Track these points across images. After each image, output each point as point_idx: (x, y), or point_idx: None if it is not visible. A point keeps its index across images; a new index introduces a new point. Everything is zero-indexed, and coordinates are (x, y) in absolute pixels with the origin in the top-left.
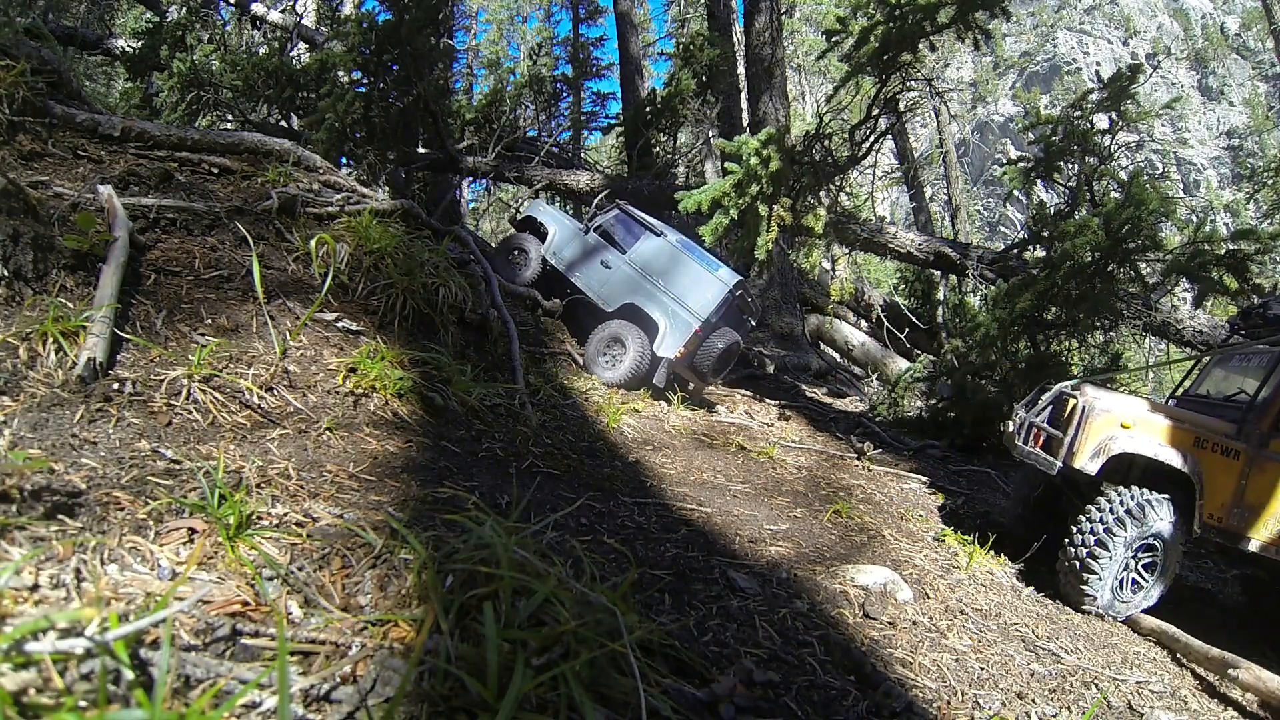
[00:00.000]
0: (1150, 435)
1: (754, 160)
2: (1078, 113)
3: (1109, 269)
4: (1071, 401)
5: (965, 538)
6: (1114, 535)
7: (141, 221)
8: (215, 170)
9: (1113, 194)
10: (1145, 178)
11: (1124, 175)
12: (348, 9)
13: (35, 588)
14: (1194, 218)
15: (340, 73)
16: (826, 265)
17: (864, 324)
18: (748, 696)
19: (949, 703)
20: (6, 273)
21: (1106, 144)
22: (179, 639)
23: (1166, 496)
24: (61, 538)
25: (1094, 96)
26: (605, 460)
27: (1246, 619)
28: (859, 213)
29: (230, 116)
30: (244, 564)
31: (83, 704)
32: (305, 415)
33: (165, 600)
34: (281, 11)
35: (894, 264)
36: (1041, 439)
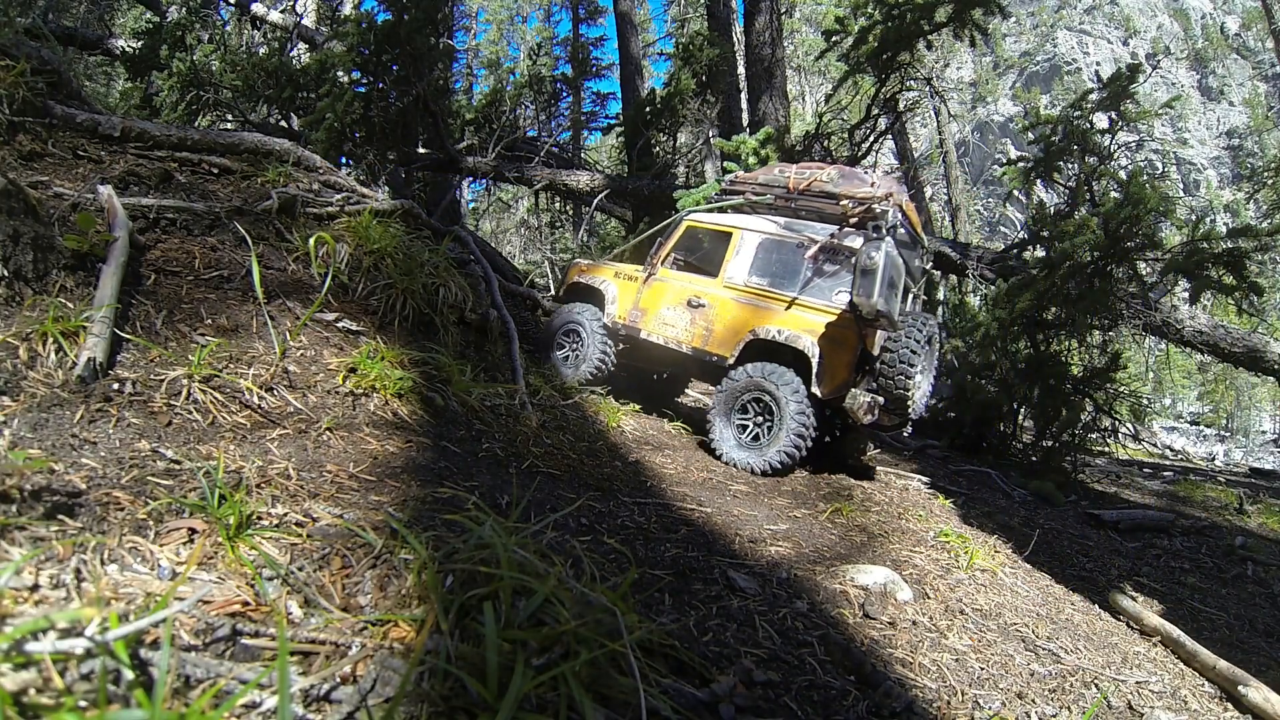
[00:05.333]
0: (591, 273)
1: (753, 160)
2: (1078, 113)
3: (1108, 269)
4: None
5: (965, 538)
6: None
7: (141, 221)
8: (215, 170)
9: (1112, 194)
10: (1144, 177)
11: (1124, 175)
12: (348, 9)
13: (35, 588)
14: (1193, 217)
15: (340, 73)
16: None
17: None
18: (748, 696)
19: (949, 703)
20: (6, 273)
21: (1106, 144)
22: (179, 639)
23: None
24: (61, 538)
25: (1094, 96)
26: (605, 460)
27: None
28: None
29: (230, 116)
30: (244, 564)
31: (83, 704)
32: (305, 415)
33: (165, 600)
34: (281, 11)
35: None
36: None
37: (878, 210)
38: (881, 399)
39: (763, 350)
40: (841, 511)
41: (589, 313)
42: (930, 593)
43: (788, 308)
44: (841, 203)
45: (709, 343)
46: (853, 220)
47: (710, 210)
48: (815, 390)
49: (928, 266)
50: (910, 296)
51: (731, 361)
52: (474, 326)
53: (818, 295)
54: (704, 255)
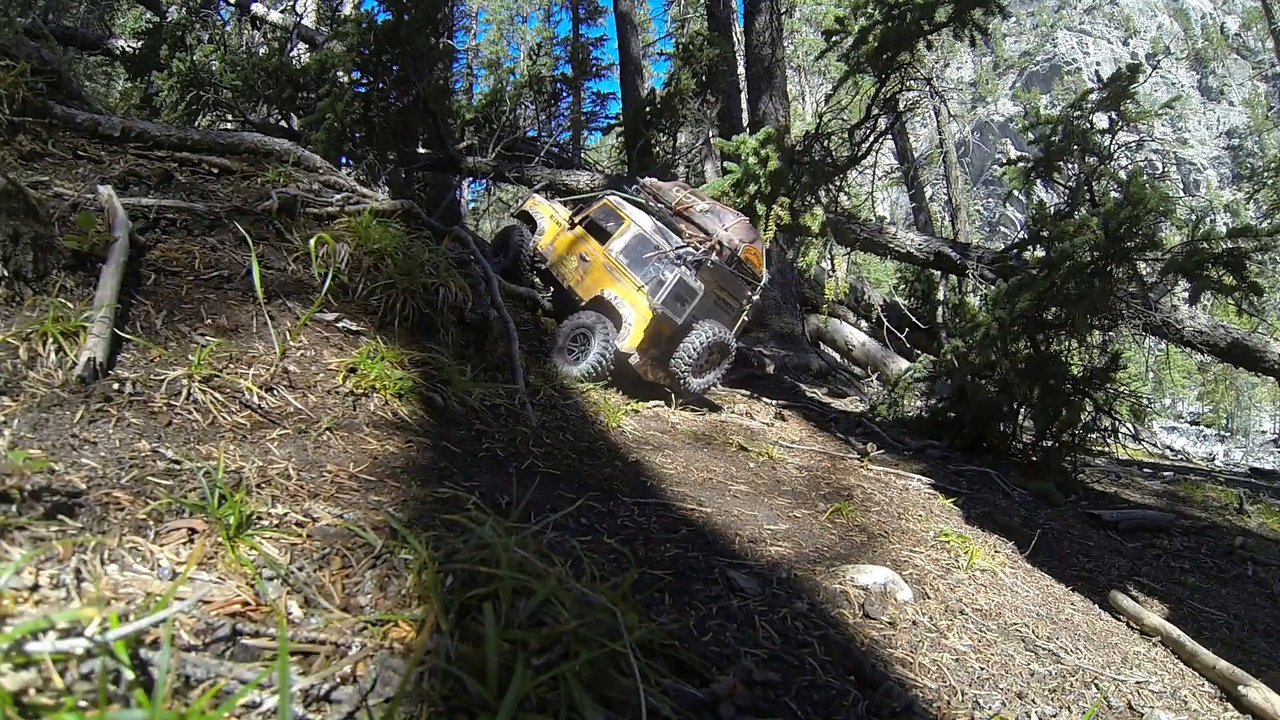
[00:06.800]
0: (537, 208)
1: (752, 160)
2: (1078, 113)
3: (1108, 268)
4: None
5: (965, 537)
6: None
7: (141, 221)
8: (215, 170)
9: (1112, 194)
10: (1144, 177)
11: (1124, 175)
12: (348, 9)
13: (35, 588)
14: (1193, 217)
15: (340, 73)
16: (826, 265)
17: (864, 324)
18: (748, 696)
19: (949, 703)
20: (6, 273)
21: (1106, 144)
22: (179, 639)
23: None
24: (61, 538)
25: (1094, 96)
26: (605, 460)
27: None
28: (859, 213)
29: (230, 116)
30: (244, 564)
31: (83, 704)
32: (305, 415)
33: (165, 600)
34: (281, 11)
35: (894, 264)
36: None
37: (698, 247)
38: (660, 370)
39: (602, 304)
40: (841, 511)
41: (521, 232)
42: (930, 593)
43: (633, 288)
44: (688, 230)
45: (579, 287)
46: (692, 245)
47: (622, 198)
48: (617, 344)
49: (756, 298)
50: (736, 317)
51: (584, 304)
52: (474, 326)
53: (650, 286)
54: (606, 226)
